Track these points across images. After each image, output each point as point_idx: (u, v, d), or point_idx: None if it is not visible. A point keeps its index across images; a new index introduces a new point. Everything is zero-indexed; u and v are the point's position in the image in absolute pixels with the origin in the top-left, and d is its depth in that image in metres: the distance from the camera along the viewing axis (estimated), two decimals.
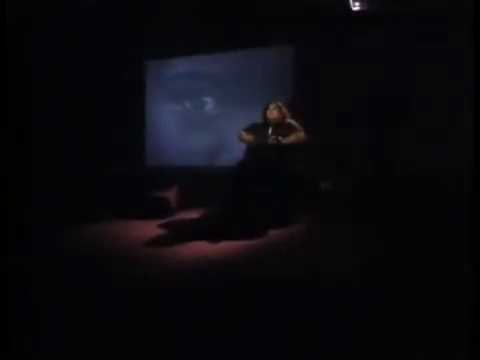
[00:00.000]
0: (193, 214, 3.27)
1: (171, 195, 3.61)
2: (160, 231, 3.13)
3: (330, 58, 4.18)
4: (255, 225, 2.97)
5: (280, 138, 3.29)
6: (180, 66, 5.14)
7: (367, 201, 3.44)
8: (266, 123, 3.51)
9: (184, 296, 1.87)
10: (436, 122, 3.74)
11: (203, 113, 5.05)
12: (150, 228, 3.18)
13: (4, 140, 1.93)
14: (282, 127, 3.43)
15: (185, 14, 4.42)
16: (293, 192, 3.30)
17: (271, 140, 3.33)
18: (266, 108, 3.52)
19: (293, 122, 3.48)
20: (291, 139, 3.34)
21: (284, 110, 3.52)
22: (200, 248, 2.62)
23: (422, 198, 3.32)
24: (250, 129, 3.54)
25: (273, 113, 3.48)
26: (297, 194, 3.35)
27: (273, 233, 2.95)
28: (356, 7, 4.14)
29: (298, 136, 3.38)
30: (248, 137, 3.46)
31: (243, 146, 3.49)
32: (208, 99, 5.00)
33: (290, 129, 3.41)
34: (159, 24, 4.62)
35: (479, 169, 1.45)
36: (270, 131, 3.44)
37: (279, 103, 3.51)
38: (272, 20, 4.31)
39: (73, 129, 5.01)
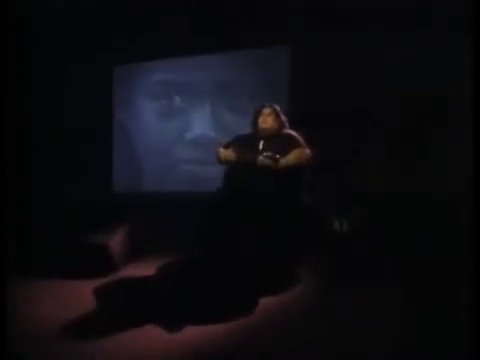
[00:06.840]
0: (146, 270, 2.16)
1: (115, 242, 2.43)
2: (92, 300, 1.97)
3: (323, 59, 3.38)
4: (239, 291, 1.92)
5: (278, 156, 2.25)
6: (160, 70, 4.18)
7: (398, 244, 2.45)
8: (256, 134, 2.48)
9: None
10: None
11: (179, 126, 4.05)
12: (80, 292, 2.07)
13: None
14: (279, 140, 2.40)
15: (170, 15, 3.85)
16: (295, 234, 2.28)
17: (263, 158, 2.27)
18: (258, 114, 2.50)
19: (294, 134, 2.46)
20: (292, 158, 2.30)
21: (282, 118, 2.51)
22: (153, 335, 1.54)
23: None
24: (233, 144, 2.48)
25: (267, 120, 2.45)
26: (301, 238, 2.32)
27: (266, 303, 1.88)
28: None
29: (302, 153, 2.34)
30: (230, 155, 2.41)
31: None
32: (185, 105, 3.99)
33: (290, 144, 2.38)
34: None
35: None
36: (261, 146, 2.40)
37: (276, 107, 2.50)
38: (265, 20, 3.62)
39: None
